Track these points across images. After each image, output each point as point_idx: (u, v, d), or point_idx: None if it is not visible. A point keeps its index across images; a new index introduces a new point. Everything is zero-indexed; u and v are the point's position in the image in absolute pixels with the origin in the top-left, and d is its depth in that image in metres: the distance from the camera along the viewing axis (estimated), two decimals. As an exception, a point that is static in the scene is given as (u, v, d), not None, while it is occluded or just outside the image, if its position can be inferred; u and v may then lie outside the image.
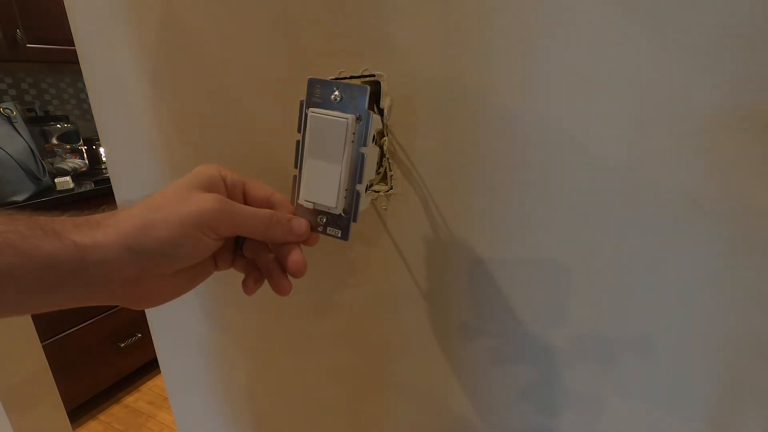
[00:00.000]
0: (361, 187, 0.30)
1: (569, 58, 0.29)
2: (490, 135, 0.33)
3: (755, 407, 0.31)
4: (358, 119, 0.29)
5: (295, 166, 0.32)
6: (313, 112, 0.29)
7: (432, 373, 0.42)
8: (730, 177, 0.27)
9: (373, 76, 0.35)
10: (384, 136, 0.36)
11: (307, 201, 0.31)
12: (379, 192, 0.38)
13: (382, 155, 0.37)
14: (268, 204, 0.31)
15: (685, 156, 0.27)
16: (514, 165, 0.32)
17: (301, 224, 0.31)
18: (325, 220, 0.31)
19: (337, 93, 0.29)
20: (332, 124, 0.29)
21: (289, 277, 0.31)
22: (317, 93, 0.29)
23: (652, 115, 0.27)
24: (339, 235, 0.31)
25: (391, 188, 0.38)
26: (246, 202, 0.31)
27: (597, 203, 0.31)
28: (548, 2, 0.28)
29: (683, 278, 0.30)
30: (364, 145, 0.29)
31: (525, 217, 0.33)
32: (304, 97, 0.30)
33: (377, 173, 0.37)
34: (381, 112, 0.36)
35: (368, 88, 0.28)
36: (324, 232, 0.32)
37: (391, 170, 0.37)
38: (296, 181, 0.32)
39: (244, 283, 0.32)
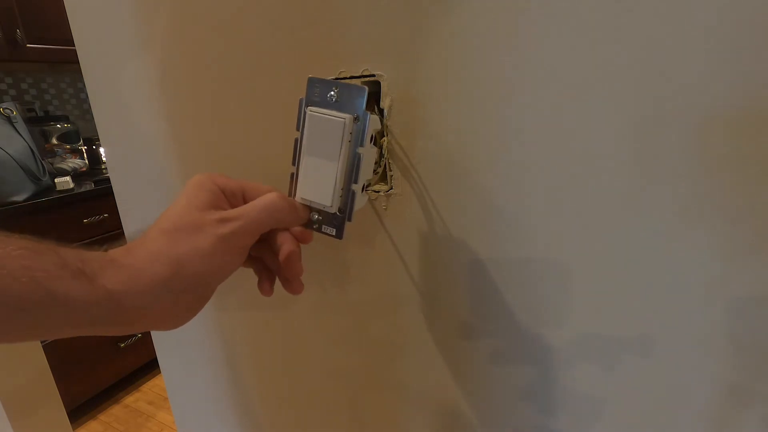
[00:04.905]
0: (356, 187, 0.30)
1: (571, 55, 0.29)
2: (490, 135, 0.33)
3: (755, 407, 0.30)
4: (356, 119, 0.29)
5: (293, 164, 0.32)
6: (312, 111, 0.29)
7: (432, 373, 0.42)
8: (730, 177, 0.27)
9: (373, 76, 0.35)
10: (384, 136, 0.36)
11: (303, 199, 0.31)
12: (379, 192, 0.38)
13: (381, 155, 0.37)
14: None
15: (684, 155, 0.27)
16: (514, 165, 0.32)
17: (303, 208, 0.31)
18: (320, 218, 0.32)
19: (335, 93, 0.29)
20: (330, 123, 0.29)
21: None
22: (317, 92, 0.30)
23: (651, 114, 0.27)
24: (333, 233, 0.31)
25: (391, 188, 0.38)
26: None
27: (597, 203, 0.31)
28: None
29: (683, 278, 0.30)
30: (361, 145, 0.29)
31: (524, 216, 0.33)
32: (303, 95, 0.30)
33: (375, 173, 0.37)
34: (381, 112, 0.36)
35: (366, 88, 0.28)
36: (319, 230, 0.32)
37: (390, 170, 0.37)
38: (293, 178, 0.32)
39: (259, 285, 0.32)
